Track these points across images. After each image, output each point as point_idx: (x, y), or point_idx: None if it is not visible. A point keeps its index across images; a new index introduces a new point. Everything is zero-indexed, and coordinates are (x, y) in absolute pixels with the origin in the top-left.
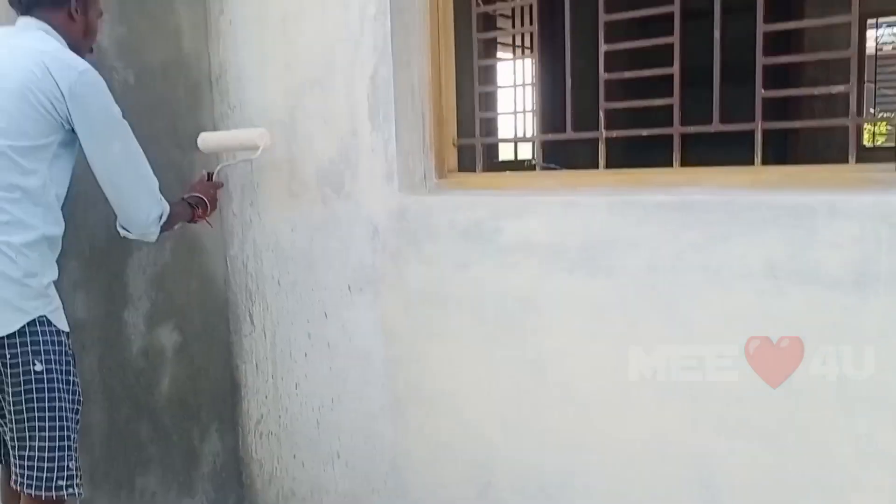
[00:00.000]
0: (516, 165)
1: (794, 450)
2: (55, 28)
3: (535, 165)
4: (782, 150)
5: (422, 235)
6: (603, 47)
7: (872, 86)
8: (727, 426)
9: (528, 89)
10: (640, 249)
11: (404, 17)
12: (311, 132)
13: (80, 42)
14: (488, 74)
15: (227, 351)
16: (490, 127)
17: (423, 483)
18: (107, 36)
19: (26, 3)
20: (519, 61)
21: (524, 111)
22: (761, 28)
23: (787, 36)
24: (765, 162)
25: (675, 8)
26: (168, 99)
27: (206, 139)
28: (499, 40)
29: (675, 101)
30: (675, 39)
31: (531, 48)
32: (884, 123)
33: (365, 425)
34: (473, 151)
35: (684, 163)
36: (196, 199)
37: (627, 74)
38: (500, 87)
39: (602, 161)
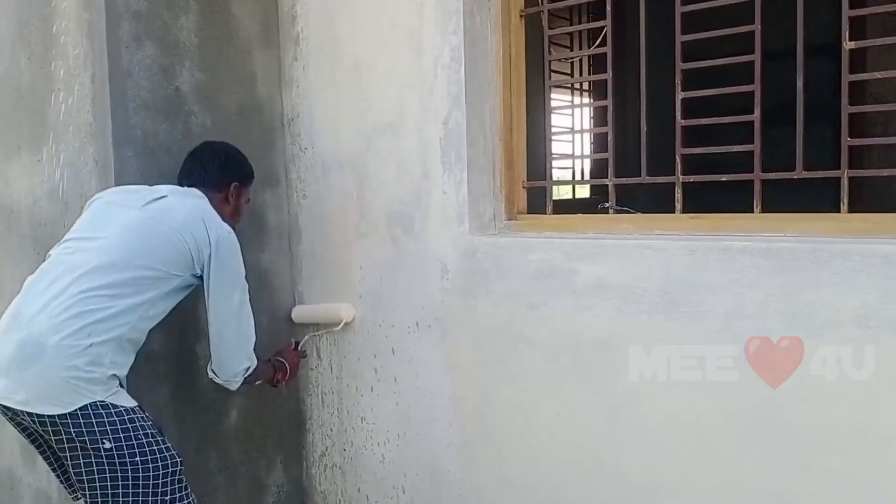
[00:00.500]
0: (574, 204)
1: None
2: (211, 202)
3: (607, 209)
4: (836, 194)
5: (493, 275)
6: (680, 95)
7: None
8: (812, 472)
9: (590, 132)
10: (723, 294)
11: (478, 65)
12: (383, 174)
13: (227, 219)
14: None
15: (293, 384)
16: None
17: None
18: (186, 82)
19: (195, 181)
20: (579, 105)
21: (592, 155)
22: (846, 78)
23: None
24: (835, 208)
25: (756, 57)
26: (243, 141)
27: (299, 311)
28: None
29: (755, 147)
30: (755, 87)
31: (605, 94)
32: None
33: (431, 462)
34: (541, 196)
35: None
36: (279, 363)
37: (705, 121)
38: (574, 131)
39: (679, 205)
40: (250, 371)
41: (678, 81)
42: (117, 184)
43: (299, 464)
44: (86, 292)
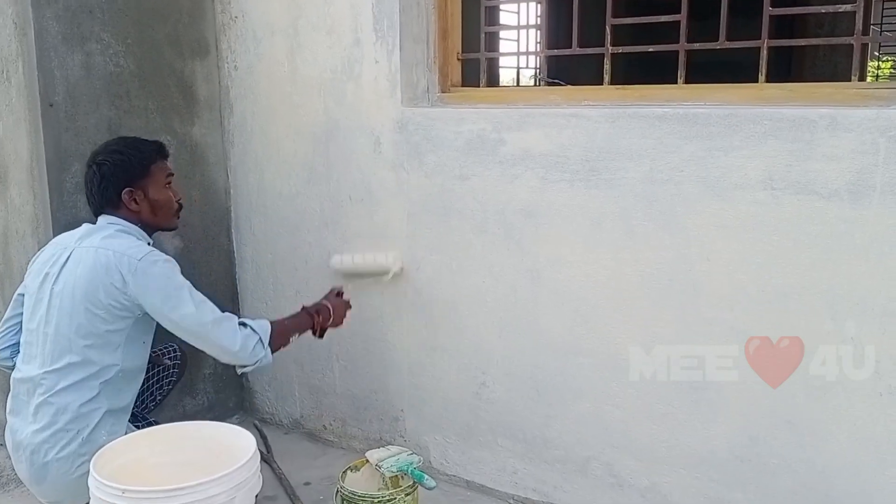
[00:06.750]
0: None
1: None
2: (125, 220)
3: (539, 82)
4: (786, 78)
5: (424, 147)
6: None
7: (877, 29)
8: (714, 327)
9: (532, 10)
10: (641, 161)
11: None
12: (314, 43)
13: (152, 220)
14: None
15: (227, 259)
16: (494, 47)
17: (421, 384)
18: None
19: (95, 209)
20: None
21: (528, 26)
22: None
23: None
24: (769, 81)
25: None
26: (170, 8)
27: (339, 261)
28: None
29: (682, 17)
30: None
31: None
32: (888, 64)
33: (363, 330)
34: (477, 70)
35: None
36: (318, 307)
37: None
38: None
39: (607, 77)
40: (266, 340)
41: None
42: (38, 47)
43: None
44: (49, 392)
